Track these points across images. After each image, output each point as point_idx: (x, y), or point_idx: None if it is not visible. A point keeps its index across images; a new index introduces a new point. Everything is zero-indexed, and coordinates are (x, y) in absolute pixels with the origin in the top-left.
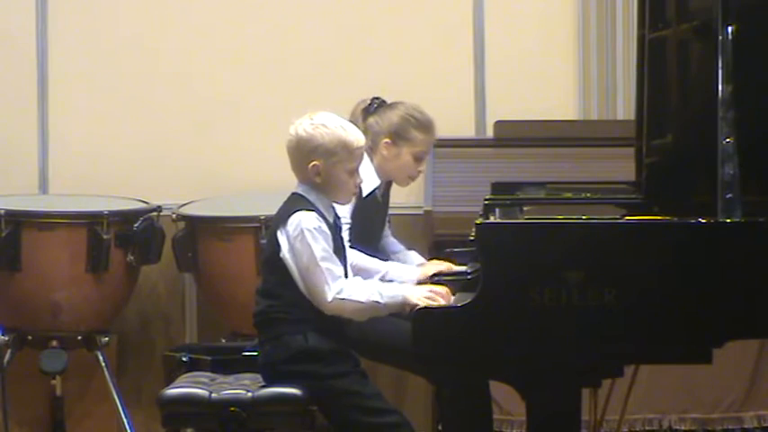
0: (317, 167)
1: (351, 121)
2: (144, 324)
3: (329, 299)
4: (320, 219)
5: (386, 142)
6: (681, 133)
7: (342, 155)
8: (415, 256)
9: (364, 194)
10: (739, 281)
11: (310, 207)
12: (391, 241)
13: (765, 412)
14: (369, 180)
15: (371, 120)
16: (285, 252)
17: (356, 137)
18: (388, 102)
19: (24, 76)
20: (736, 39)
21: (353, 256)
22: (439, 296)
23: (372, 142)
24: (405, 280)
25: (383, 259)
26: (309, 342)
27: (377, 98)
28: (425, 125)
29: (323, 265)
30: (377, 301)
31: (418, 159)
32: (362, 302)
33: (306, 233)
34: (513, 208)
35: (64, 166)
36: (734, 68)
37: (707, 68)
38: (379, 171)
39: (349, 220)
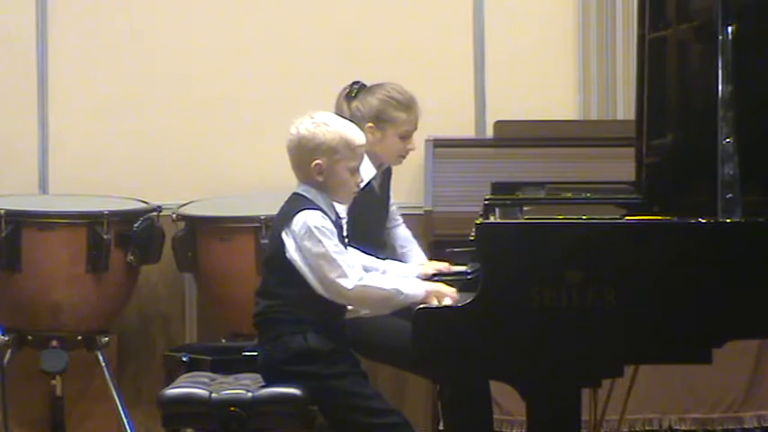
0: (320, 166)
1: (336, 110)
2: (144, 324)
3: (350, 287)
4: (325, 217)
5: (369, 127)
6: (681, 133)
7: (344, 153)
8: (418, 256)
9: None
10: (739, 281)
11: (313, 206)
12: (400, 233)
13: (765, 412)
14: (364, 171)
15: (354, 105)
16: (292, 252)
17: (357, 135)
18: (368, 85)
19: (24, 76)
20: (736, 39)
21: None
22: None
23: (358, 127)
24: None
25: (381, 258)
26: (309, 342)
27: (356, 82)
28: (406, 104)
29: (337, 257)
30: (399, 290)
31: (405, 138)
32: (386, 289)
33: (314, 230)
34: (513, 208)
35: (64, 166)
36: (734, 68)
37: (707, 68)
38: (370, 155)
39: (344, 216)
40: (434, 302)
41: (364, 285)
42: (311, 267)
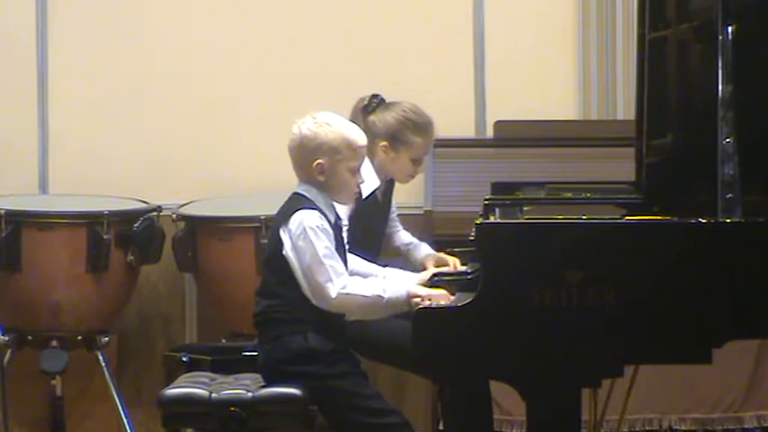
0: (321, 166)
1: (351, 120)
2: (144, 324)
3: (333, 294)
4: (322, 217)
5: (383, 146)
6: (681, 133)
7: (345, 153)
8: (425, 248)
9: (364, 196)
10: (739, 281)
11: (312, 206)
12: (402, 234)
13: (765, 412)
14: (369, 181)
15: (371, 118)
16: (288, 250)
17: (359, 136)
18: (387, 100)
19: (24, 76)
20: (736, 39)
21: (351, 260)
22: (440, 298)
23: (370, 142)
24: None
25: (382, 265)
26: (309, 342)
27: (375, 96)
28: (423, 128)
29: (326, 262)
30: (380, 296)
31: (417, 162)
32: (367, 296)
33: (308, 231)
34: (513, 208)
35: (64, 166)
36: (734, 68)
37: (707, 68)
38: (378, 170)
39: (346, 222)
40: (423, 303)
41: (347, 293)
42: (302, 268)
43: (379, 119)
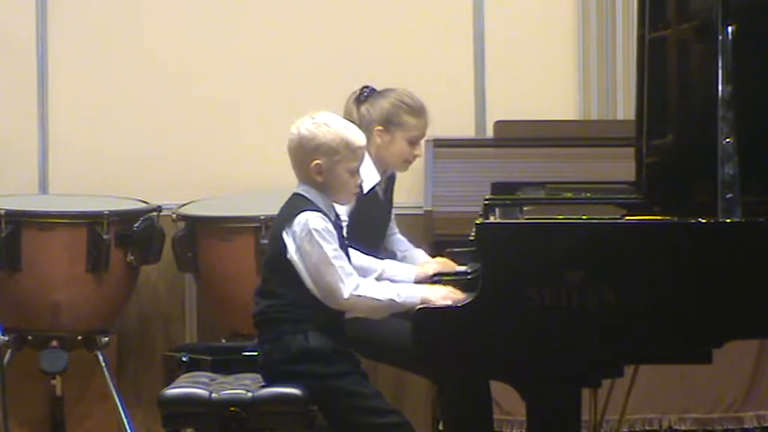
0: (320, 166)
1: (345, 113)
2: (144, 324)
3: (345, 295)
4: (325, 218)
5: (378, 130)
6: (681, 133)
7: (344, 153)
8: (421, 255)
9: (365, 191)
10: (739, 281)
11: (314, 207)
12: (398, 239)
13: (765, 412)
14: (369, 176)
15: (364, 108)
16: (292, 253)
17: (358, 136)
18: (379, 89)
19: (24, 76)
20: (736, 39)
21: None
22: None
23: (366, 131)
24: (401, 279)
25: (381, 258)
26: (310, 342)
27: (366, 86)
28: (417, 110)
29: (336, 263)
30: (393, 300)
31: (413, 144)
32: (380, 300)
33: (314, 233)
34: (513, 208)
35: (64, 166)
36: (734, 68)
37: (707, 68)
38: (376, 159)
39: (346, 218)
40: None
41: (359, 295)
42: (309, 270)
43: (373, 106)
